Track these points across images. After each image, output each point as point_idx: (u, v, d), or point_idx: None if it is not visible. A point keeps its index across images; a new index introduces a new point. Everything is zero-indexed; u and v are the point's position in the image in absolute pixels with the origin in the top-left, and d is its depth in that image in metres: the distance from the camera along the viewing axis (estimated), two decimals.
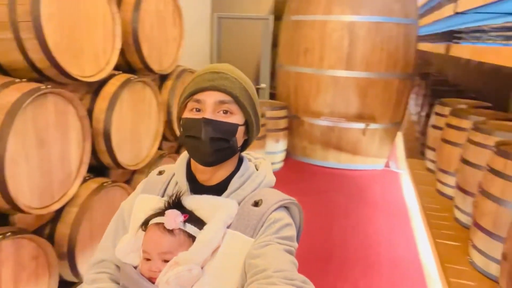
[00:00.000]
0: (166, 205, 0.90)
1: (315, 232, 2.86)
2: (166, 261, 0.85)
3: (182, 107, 0.92)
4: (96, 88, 1.91)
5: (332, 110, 4.00)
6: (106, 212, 1.89)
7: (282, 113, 4.03)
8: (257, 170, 0.98)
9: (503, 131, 2.41)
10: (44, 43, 1.46)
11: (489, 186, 2.08)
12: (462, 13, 3.35)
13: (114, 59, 1.90)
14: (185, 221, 0.87)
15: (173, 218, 0.86)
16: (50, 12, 1.51)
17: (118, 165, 1.96)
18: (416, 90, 5.29)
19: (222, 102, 0.88)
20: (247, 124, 0.93)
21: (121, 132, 1.95)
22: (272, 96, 4.74)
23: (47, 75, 1.59)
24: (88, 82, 1.79)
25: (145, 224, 0.90)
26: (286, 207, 0.92)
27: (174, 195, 0.92)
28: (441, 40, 4.57)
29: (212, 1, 4.67)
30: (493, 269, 2.06)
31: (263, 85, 4.71)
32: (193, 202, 0.91)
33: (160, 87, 2.47)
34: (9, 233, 1.41)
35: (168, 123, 2.47)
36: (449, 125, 3.12)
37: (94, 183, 1.82)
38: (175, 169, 0.99)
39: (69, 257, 1.65)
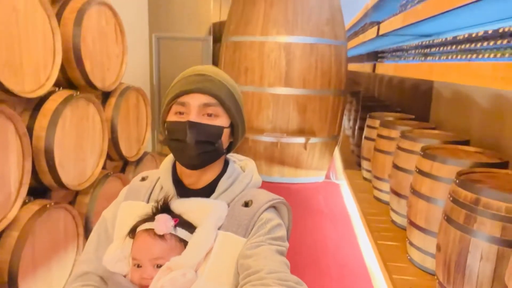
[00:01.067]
0: (154, 210, 0.88)
1: None
2: (158, 267, 0.83)
3: (166, 110, 0.91)
4: (35, 105, 1.82)
5: (274, 126, 4.15)
6: (50, 236, 1.77)
7: None
8: (243, 171, 0.98)
9: (427, 138, 2.69)
10: None
11: (419, 186, 2.31)
12: (384, 35, 3.74)
13: (55, 74, 1.83)
14: (175, 225, 0.85)
15: (164, 223, 0.84)
16: None
17: (61, 185, 1.85)
18: (349, 107, 5.69)
19: (207, 105, 0.87)
20: (232, 126, 0.93)
21: (64, 151, 1.86)
22: None
23: None
24: (27, 99, 1.70)
25: (132, 231, 0.88)
26: (274, 207, 0.93)
27: (162, 200, 0.90)
28: (367, 60, 5.00)
29: (149, 22, 4.67)
30: (429, 263, 2.25)
31: None
32: (181, 205, 0.90)
33: (103, 104, 2.40)
34: None
35: (112, 141, 2.39)
36: (380, 136, 3.41)
37: (35, 206, 1.70)
38: (160, 173, 0.97)
39: (10, 286, 1.51)
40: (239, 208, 0.89)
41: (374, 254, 2.68)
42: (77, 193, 2.18)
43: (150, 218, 0.87)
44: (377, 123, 3.71)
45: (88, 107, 2.07)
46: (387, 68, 3.84)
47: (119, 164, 2.70)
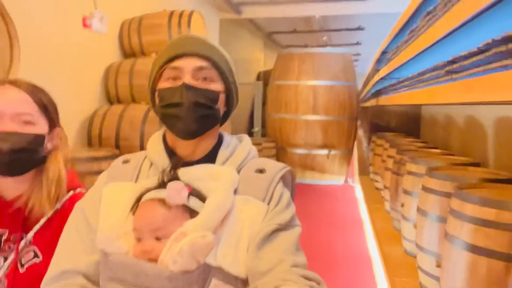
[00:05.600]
0: (164, 178, 0.79)
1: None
2: (158, 239, 0.75)
3: (157, 76, 0.85)
4: None
5: (306, 142, 5.94)
6: None
7: (272, 145, 5.93)
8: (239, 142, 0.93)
9: (402, 144, 4.35)
10: None
11: (387, 165, 3.96)
12: (382, 78, 5.49)
13: None
14: (189, 194, 0.77)
15: (178, 191, 0.75)
16: None
17: None
18: (364, 129, 7.38)
19: (201, 68, 0.82)
20: (226, 93, 0.88)
21: None
22: (262, 135, 6.68)
23: None
24: None
25: (137, 202, 0.79)
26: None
27: (169, 167, 0.81)
28: (373, 97, 6.77)
29: None
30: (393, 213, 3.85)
31: (256, 129, 6.66)
32: (186, 173, 0.81)
33: None
34: None
35: None
36: (376, 144, 5.09)
37: None
38: (148, 151, 0.91)
39: None
40: (253, 174, 0.85)
41: (367, 213, 4.30)
42: None
43: (156, 187, 0.78)
44: (374, 136, 5.42)
45: None
46: (383, 100, 5.58)
47: None
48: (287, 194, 0.87)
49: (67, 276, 0.80)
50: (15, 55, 1.61)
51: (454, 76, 1.94)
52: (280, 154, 6.11)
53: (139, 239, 0.76)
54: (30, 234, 1.00)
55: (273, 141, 6.02)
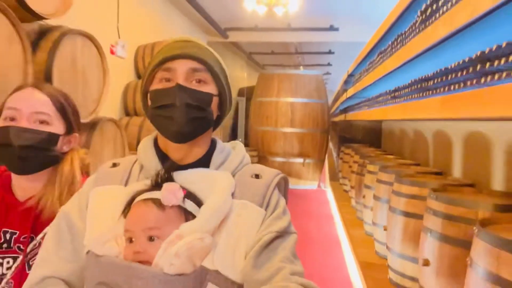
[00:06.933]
0: (159, 179, 0.79)
1: None
2: (152, 239, 0.74)
3: (150, 79, 0.85)
4: None
5: (284, 151, 6.75)
6: None
7: (254, 153, 6.71)
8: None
9: (365, 152, 5.24)
10: None
11: (354, 169, 4.81)
12: (349, 97, 6.42)
13: None
14: (184, 197, 0.77)
15: (173, 193, 0.75)
16: None
17: None
18: (334, 141, 8.29)
19: (194, 70, 0.82)
20: (220, 97, 0.88)
21: None
22: (245, 145, 7.45)
23: None
24: None
25: (128, 206, 0.78)
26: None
27: (163, 169, 0.81)
28: (341, 113, 7.70)
29: None
30: (361, 212, 4.69)
31: (240, 139, 7.42)
32: (180, 176, 0.82)
33: None
34: None
35: None
36: (344, 153, 5.97)
37: None
38: (138, 155, 0.90)
39: None
40: (249, 179, 0.86)
41: (336, 208, 5.12)
42: None
43: (149, 189, 0.78)
44: (344, 148, 6.31)
45: None
46: (350, 116, 6.51)
47: None
48: (283, 201, 0.88)
49: (48, 282, 0.79)
50: (107, 83, 2.29)
51: (396, 100, 2.81)
52: (261, 162, 6.88)
53: (130, 240, 0.75)
54: (39, 236, 1.01)
55: (255, 150, 6.80)
